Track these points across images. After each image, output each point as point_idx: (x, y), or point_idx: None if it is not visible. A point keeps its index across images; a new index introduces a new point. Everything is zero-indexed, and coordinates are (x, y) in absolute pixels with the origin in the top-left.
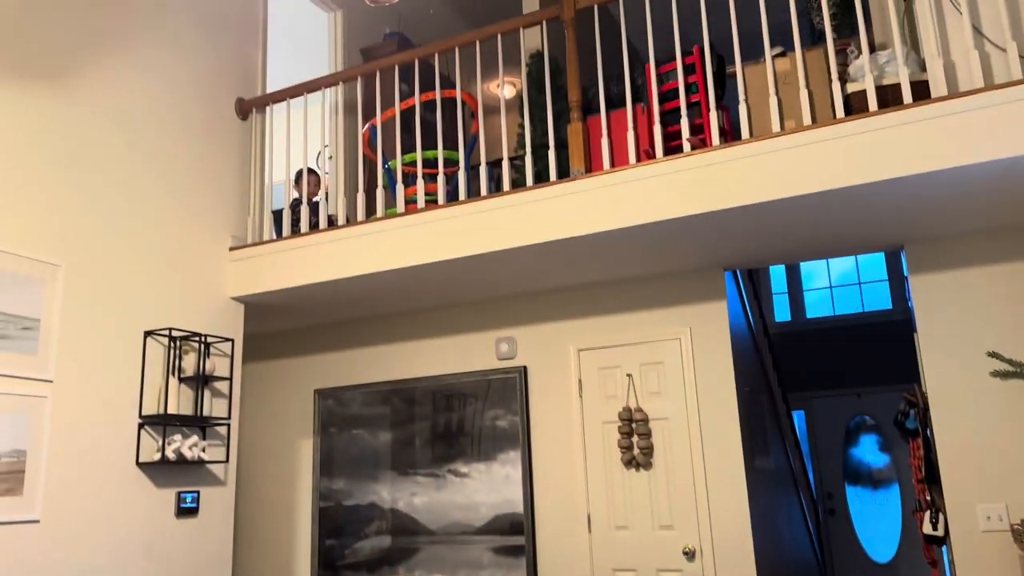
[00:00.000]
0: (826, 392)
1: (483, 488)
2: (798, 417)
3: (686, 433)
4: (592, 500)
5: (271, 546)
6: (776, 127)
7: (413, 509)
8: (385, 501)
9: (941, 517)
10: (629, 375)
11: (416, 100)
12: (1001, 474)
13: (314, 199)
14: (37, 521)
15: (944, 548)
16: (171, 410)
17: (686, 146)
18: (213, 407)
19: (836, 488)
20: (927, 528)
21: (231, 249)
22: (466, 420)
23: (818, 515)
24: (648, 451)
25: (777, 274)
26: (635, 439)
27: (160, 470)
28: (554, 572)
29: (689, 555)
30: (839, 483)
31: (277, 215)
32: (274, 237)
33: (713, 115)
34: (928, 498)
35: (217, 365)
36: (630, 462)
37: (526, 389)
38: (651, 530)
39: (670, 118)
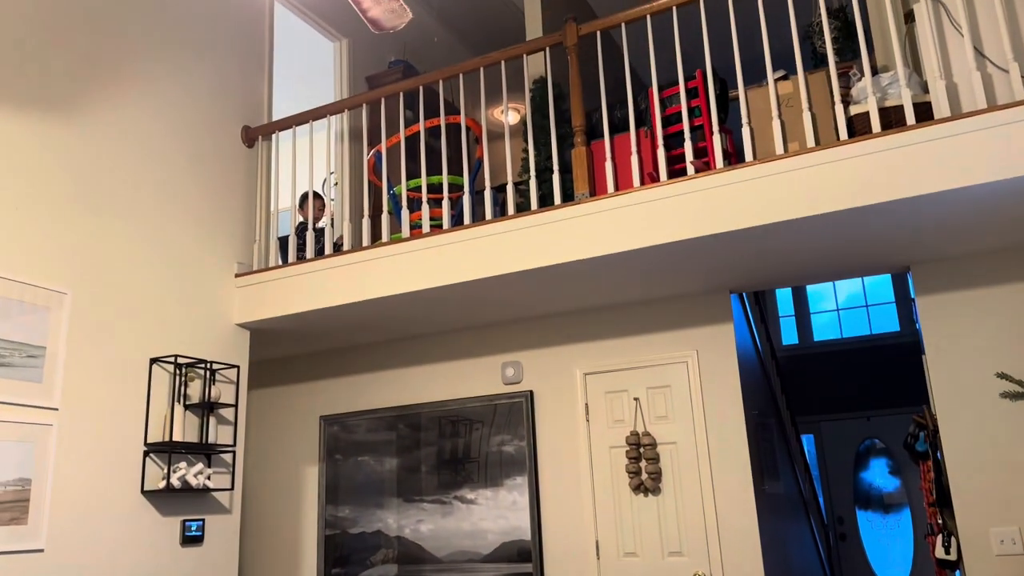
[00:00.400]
0: (835, 415)
1: (490, 514)
2: (807, 441)
3: (695, 457)
4: (600, 526)
5: (277, 571)
6: (780, 149)
7: (419, 536)
8: (391, 528)
9: (953, 541)
10: (636, 399)
11: (421, 126)
12: (1014, 496)
13: (319, 224)
14: (42, 550)
15: (957, 573)
16: (176, 438)
17: (690, 169)
18: (219, 434)
19: (847, 512)
20: (940, 552)
21: (237, 276)
22: (472, 446)
23: (829, 540)
24: (656, 476)
25: (784, 297)
26: (643, 464)
27: (165, 498)
28: None
29: None
30: (850, 507)
31: (283, 241)
32: (280, 263)
33: (716, 138)
34: (940, 521)
35: (223, 392)
36: (638, 487)
37: (532, 414)
38: (660, 557)
39: (673, 141)
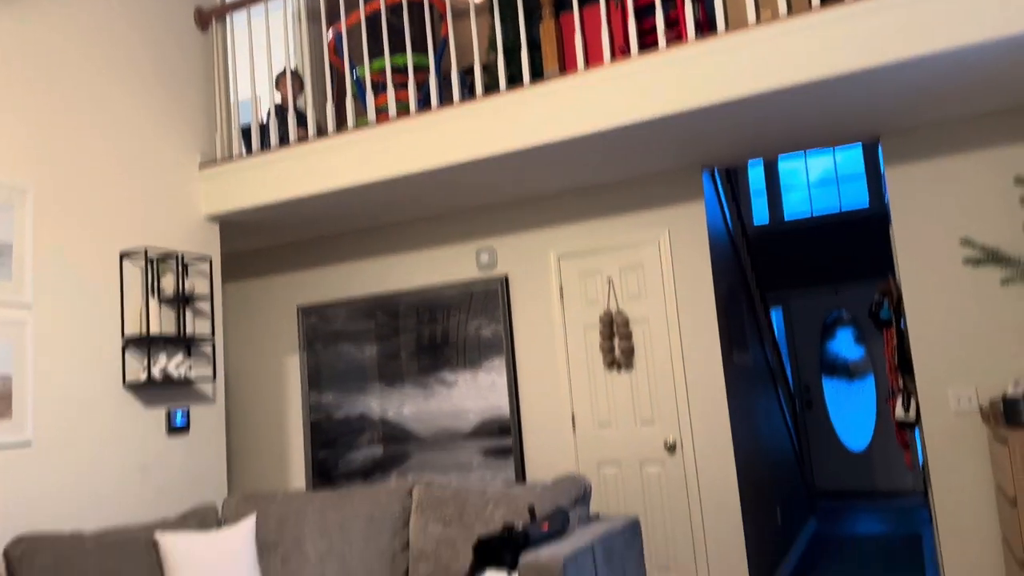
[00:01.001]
0: (804, 289)
1: (470, 395)
2: (776, 315)
3: (666, 333)
4: (576, 401)
5: (265, 460)
6: (752, 18)
7: (403, 418)
8: (375, 412)
9: (913, 402)
10: (609, 279)
11: (381, 3)
12: (971, 358)
13: (296, 103)
14: (29, 443)
15: (916, 431)
16: (153, 330)
17: (661, 41)
18: (196, 326)
19: (813, 381)
20: (899, 413)
21: (201, 166)
22: (450, 331)
23: (795, 408)
24: (629, 352)
25: (756, 176)
26: (616, 341)
27: (148, 390)
28: (541, 469)
29: (670, 448)
30: (816, 377)
31: (246, 131)
32: (243, 153)
33: (688, 7)
34: (901, 384)
35: (197, 285)
36: (612, 364)
37: (508, 298)
38: (633, 426)
39: (645, 13)
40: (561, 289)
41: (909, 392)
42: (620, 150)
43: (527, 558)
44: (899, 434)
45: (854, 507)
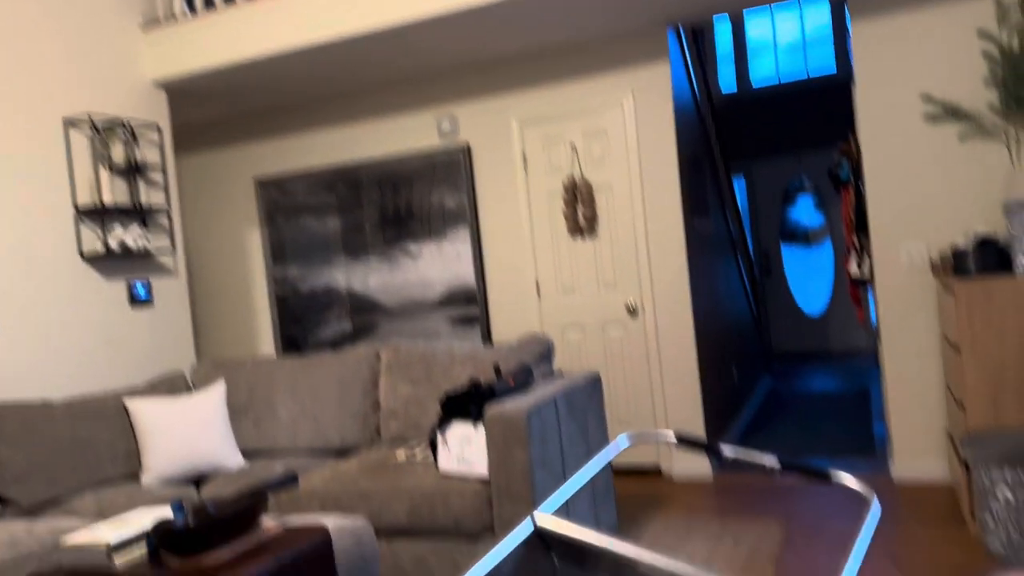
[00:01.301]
0: (767, 158)
1: (435, 266)
2: (739, 183)
3: (629, 199)
4: (540, 268)
5: (233, 335)
6: None
7: (369, 290)
8: (341, 285)
9: (867, 259)
10: (573, 145)
11: None
12: (924, 215)
13: None
14: None
15: (869, 289)
16: (106, 201)
17: None
18: (150, 197)
19: (773, 249)
20: (853, 270)
21: (145, 29)
22: (413, 202)
23: (755, 274)
24: (593, 219)
25: (723, 41)
26: (580, 208)
27: (106, 262)
28: (507, 335)
29: (632, 311)
30: (776, 244)
31: None
32: (186, 12)
33: None
34: (856, 243)
35: (148, 154)
36: (576, 231)
37: (471, 166)
38: (596, 291)
39: None
40: (524, 156)
41: (863, 250)
42: (579, 3)
43: (492, 410)
44: (852, 291)
45: (808, 367)
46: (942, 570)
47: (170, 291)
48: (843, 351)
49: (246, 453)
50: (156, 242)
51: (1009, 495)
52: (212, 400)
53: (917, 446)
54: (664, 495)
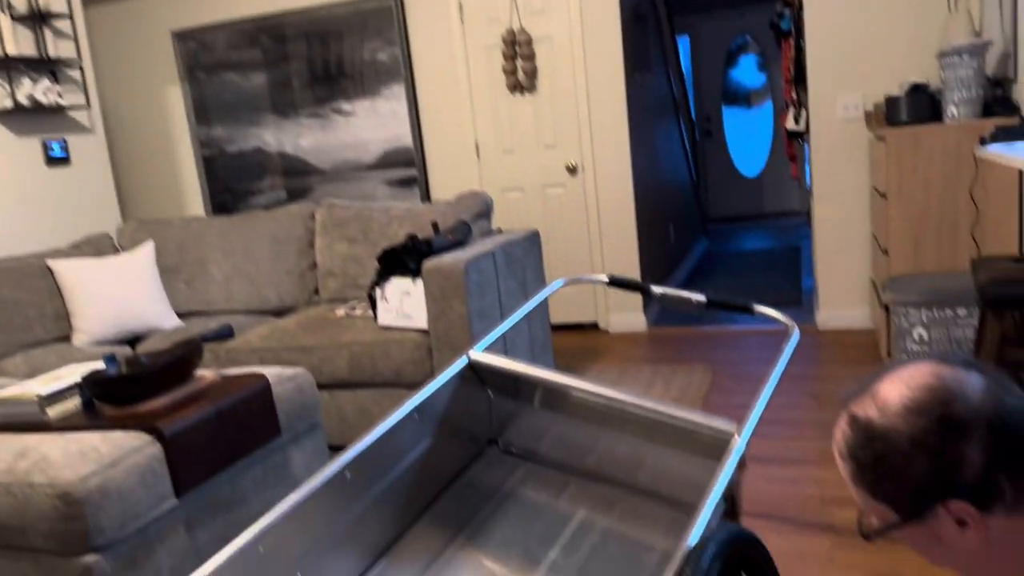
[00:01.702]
0: (711, 12)
1: (370, 125)
2: (683, 43)
3: (569, 53)
4: (479, 127)
5: (160, 199)
6: None
7: (301, 151)
8: (270, 145)
9: (804, 112)
10: None
11: None
12: (861, 66)
13: None
14: None
15: (805, 143)
16: (10, 51)
17: None
18: (59, 50)
19: (714, 110)
20: (790, 124)
21: None
22: (344, 56)
23: (695, 136)
24: (532, 74)
25: None
26: (519, 63)
27: (17, 119)
28: (447, 197)
29: (572, 170)
30: (717, 105)
31: None
32: None
33: None
34: (794, 96)
35: (52, 2)
36: (515, 86)
37: (403, 17)
38: (537, 151)
39: None
40: (460, 6)
41: (801, 103)
42: None
43: (430, 264)
44: (788, 146)
45: (744, 229)
46: None
47: (88, 150)
48: (777, 212)
49: (181, 314)
50: (69, 98)
51: (924, 333)
52: (141, 260)
53: (842, 296)
54: (600, 347)
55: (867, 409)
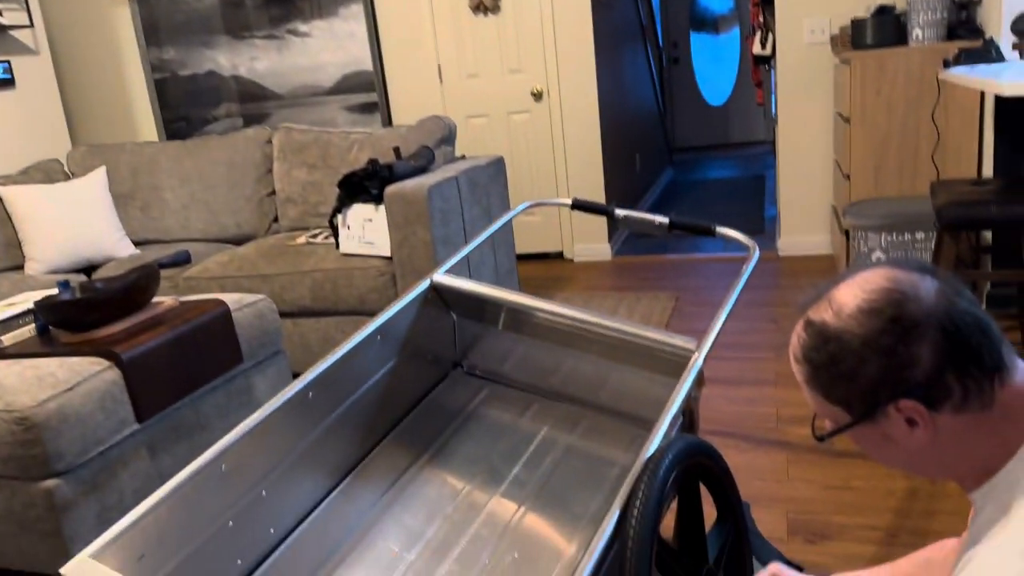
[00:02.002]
0: None
1: (328, 47)
2: None
3: None
4: (441, 50)
5: (111, 125)
6: None
7: (256, 75)
8: (225, 69)
9: (771, 36)
10: None
11: None
12: None
13: None
14: None
15: (771, 71)
16: None
17: None
18: None
19: (681, 37)
20: (757, 48)
21: None
22: None
23: (662, 64)
24: None
25: None
26: None
27: None
28: (409, 123)
29: (537, 96)
30: (685, 32)
31: None
32: None
33: None
34: (762, 21)
35: None
36: (478, 7)
37: None
38: (500, 75)
39: None
40: None
41: (768, 27)
42: None
43: (392, 189)
44: (754, 72)
45: (709, 159)
46: None
47: (33, 71)
48: (742, 141)
49: (137, 243)
50: (11, 17)
51: (883, 257)
52: (93, 187)
53: (804, 223)
54: (565, 276)
55: (822, 313)
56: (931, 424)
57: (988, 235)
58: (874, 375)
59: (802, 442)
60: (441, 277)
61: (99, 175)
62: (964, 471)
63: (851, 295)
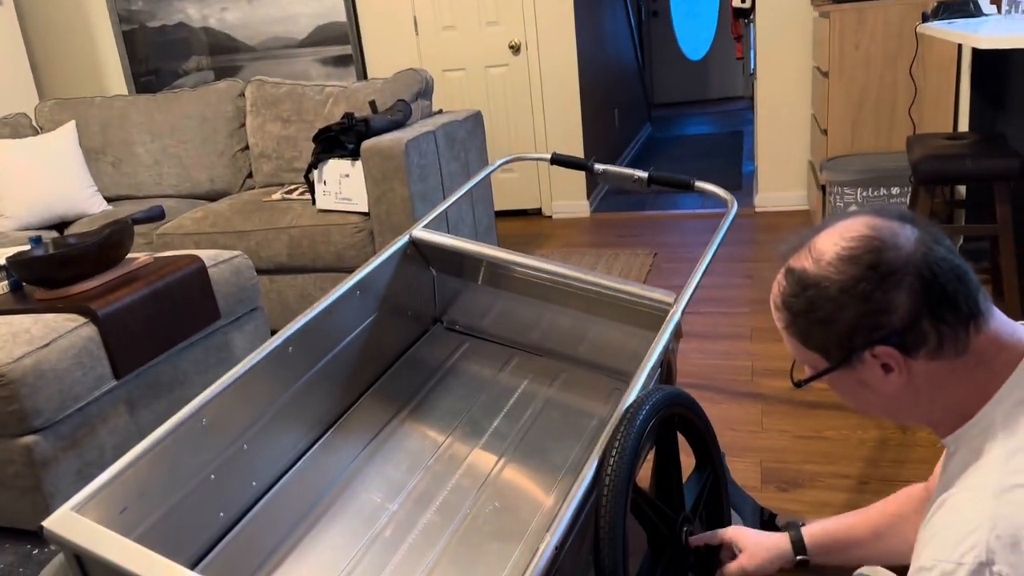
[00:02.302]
0: None
1: None
2: None
3: None
4: (417, 1)
5: (79, 78)
6: None
7: (227, 26)
8: (194, 20)
9: None
10: None
11: None
12: None
13: None
14: None
15: (750, 22)
16: None
17: None
18: None
19: None
20: (736, 1)
21: None
22: None
23: (641, 17)
24: None
25: None
26: None
27: None
28: (385, 76)
29: (515, 49)
30: None
31: None
32: None
33: None
34: None
35: None
36: None
37: None
38: (478, 28)
39: None
40: None
41: None
42: None
43: (369, 144)
44: (734, 26)
45: (688, 114)
46: None
47: None
48: (721, 97)
49: (109, 199)
50: None
51: None
52: (63, 141)
53: (781, 178)
54: (544, 232)
55: (802, 261)
56: (906, 370)
57: (963, 189)
58: (851, 321)
59: (776, 394)
60: (420, 232)
61: (69, 130)
62: (938, 417)
63: (831, 243)
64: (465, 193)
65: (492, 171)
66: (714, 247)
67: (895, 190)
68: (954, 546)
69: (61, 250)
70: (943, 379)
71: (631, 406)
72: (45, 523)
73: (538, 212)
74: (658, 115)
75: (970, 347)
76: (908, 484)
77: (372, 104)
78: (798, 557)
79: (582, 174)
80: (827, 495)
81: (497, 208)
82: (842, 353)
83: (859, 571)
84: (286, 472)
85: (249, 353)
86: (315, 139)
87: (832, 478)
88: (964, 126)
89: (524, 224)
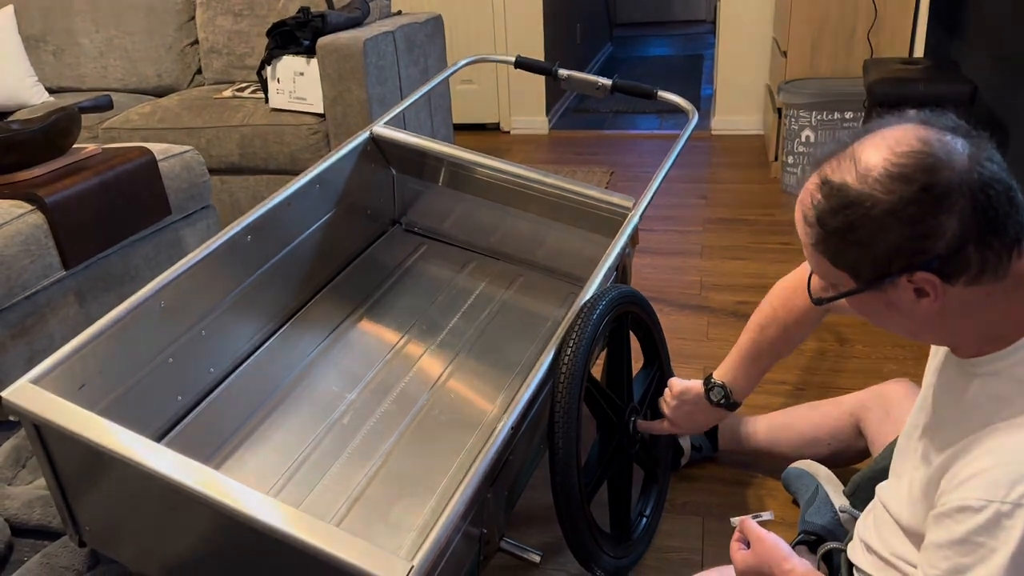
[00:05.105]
0: None
1: None
2: None
3: None
4: None
5: None
6: None
7: None
8: None
9: None
10: None
11: None
12: None
13: None
14: None
15: None
16: None
17: None
18: None
19: None
20: None
21: None
22: None
23: None
24: None
25: None
26: None
27: None
28: None
29: None
30: None
31: None
32: None
33: None
34: None
35: None
36: None
37: None
38: None
39: None
40: None
41: None
42: None
43: (325, 41)
44: None
45: (650, 36)
46: (744, 205)
47: None
48: (685, 20)
49: (51, 90)
50: None
51: (811, 135)
52: (0, 26)
53: (739, 102)
54: (502, 148)
55: (844, 173)
56: (942, 295)
57: None
58: (892, 245)
59: (722, 307)
60: (381, 129)
61: (6, 14)
62: (965, 339)
63: (879, 156)
64: (424, 98)
65: (456, 70)
66: (674, 154)
67: (848, 114)
68: (1010, 486)
69: (4, 134)
70: (978, 304)
71: (589, 300)
72: (4, 393)
73: (496, 127)
74: (620, 35)
75: (1010, 271)
76: (842, 392)
77: (328, 1)
78: (720, 401)
79: (542, 89)
80: (766, 399)
81: (455, 121)
82: (874, 276)
83: (795, 464)
84: (244, 361)
85: None
86: (268, 34)
87: (771, 384)
88: (920, 52)
89: (482, 139)
